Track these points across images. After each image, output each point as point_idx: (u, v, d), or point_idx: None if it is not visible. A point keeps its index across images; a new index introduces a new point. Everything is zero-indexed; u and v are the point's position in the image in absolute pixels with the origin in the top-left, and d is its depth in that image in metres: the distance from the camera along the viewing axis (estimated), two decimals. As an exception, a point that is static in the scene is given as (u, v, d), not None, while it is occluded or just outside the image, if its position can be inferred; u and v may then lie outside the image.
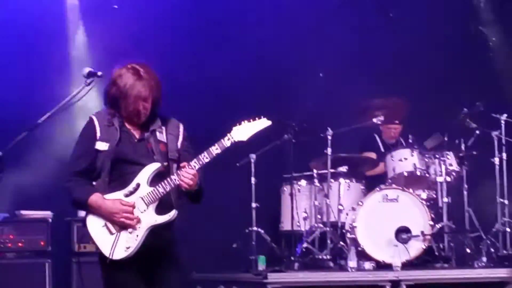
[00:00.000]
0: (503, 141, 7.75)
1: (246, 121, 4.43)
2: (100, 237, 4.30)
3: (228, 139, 4.35)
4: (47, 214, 7.09)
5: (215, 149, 4.29)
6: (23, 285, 6.85)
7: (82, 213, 7.03)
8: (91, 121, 4.43)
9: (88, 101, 5.16)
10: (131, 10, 8.53)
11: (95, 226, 4.29)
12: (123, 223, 4.24)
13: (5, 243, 6.85)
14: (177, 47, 8.29)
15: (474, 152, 7.94)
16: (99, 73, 4.73)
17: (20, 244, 6.92)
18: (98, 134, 4.40)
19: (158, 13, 8.54)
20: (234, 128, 4.39)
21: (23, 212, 7.04)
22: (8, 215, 6.91)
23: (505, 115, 7.68)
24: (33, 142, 5.05)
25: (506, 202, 7.76)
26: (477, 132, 7.85)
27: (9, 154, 4.61)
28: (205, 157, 4.31)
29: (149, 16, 8.56)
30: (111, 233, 4.27)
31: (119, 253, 4.24)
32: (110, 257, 4.25)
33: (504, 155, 7.77)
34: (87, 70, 4.74)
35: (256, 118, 4.47)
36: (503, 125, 7.72)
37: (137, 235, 4.25)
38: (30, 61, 8.13)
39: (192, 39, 8.51)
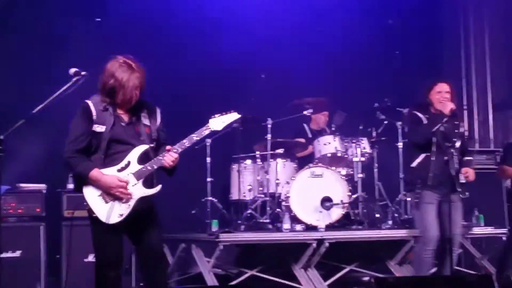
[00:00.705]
0: (405, 130, 7.77)
1: (219, 114, 4.52)
2: (96, 205, 4.33)
3: (207, 128, 4.44)
4: (41, 186, 7.02)
5: (195, 137, 4.41)
6: (22, 243, 6.75)
7: (70, 186, 7.16)
8: (87, 105, 4.40)
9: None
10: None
11: (92, 195, 4.33)
12: (118, 196, 4.29)
13: (8, 210, 6.74)
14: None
15: (383, 138, 8.09)
16: (83, 73, 4.63)
17: (20, 211, 6.85)
18: (95, 118, 4.37)
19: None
20: (211, 120, 4.49)
21: (22, 185, 6.97)
22: (10, 187, 6.73)
23: (407, 108, 7.60)
24: (29, 128, 5.03)
25: (407, 177, 7.97)
26: (385, 122, 8.05)
27: (9, 138, 4.50)
28: (186, 143, 4.39)
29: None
30: (106, 202, 4.31)
31: (114, 219, 4.31)
32: (107, 222, 4.28)
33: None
34: (73, 70, 4.65)
35: (227, 112, 4.57)
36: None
37: (129, 205, 4.33)
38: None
39: (165, 51, 8.45)
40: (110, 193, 4.32)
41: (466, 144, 6.17)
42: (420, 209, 6.10)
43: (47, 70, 7.57)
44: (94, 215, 4.34)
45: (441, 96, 6.07)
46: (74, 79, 4.64)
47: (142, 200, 4.39)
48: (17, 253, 6.77)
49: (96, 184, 4.34)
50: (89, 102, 4.44)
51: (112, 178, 4.32)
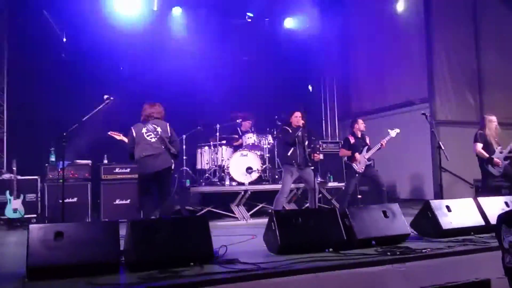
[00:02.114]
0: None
1: None
2: None
3: None
4: (88, 161, 7.11)
5: None
6: (77, 194, 6.82)
7: (105, 161, 7.09)
8: None
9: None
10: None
11: None
12: None
13: (69, 175, 6.85)
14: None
15: (280, 135, 8.14)
16: (112, 98, 4.76)
17: (76, 175, 6.93)
18: None
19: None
20: None
21: (77, 160, 7.03)
22: (71, 162, 6.88)
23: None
24: (80, 129, 5.09)
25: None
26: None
27: (69, 134, 4.74)
28: None
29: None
30: None
31: None
32: None
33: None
34: (106, 96, 4.77)
35: None
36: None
37: None
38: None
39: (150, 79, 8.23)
40: None
41: (310, 141, 6.53)
42: (284, 175, 6.34)
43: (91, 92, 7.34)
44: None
45: (297, 120, 6.41)
46: (106, 101, 4.81)
47: None
48: (75, 199, 6.84)
49: None
50: None
51: None
